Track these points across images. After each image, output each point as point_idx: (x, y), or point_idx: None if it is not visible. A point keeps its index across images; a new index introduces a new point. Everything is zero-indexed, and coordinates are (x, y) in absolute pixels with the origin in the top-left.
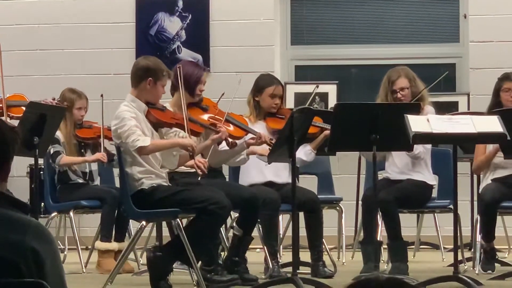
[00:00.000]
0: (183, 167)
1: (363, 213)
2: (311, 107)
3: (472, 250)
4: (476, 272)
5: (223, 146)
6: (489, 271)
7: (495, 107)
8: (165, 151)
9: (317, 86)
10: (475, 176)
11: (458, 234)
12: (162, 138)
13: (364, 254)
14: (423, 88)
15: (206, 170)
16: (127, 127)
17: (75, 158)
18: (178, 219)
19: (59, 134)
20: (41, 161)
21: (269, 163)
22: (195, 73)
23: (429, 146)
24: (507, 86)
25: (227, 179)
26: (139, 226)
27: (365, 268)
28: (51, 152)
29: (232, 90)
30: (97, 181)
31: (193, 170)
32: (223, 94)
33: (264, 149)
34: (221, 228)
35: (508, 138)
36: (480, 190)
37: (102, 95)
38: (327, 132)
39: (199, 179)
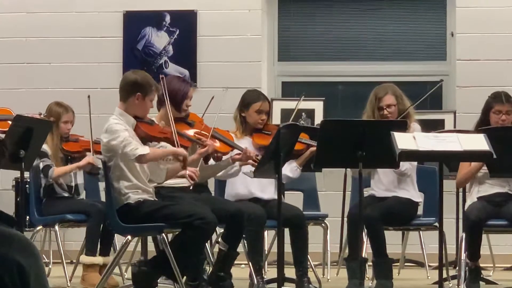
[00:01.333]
0: (169, 181)
1: (348, 229)
2: (298, 124)
3: (457, 268)
4: None
5: (210, 161)
6: None
7: (483, 125)
8: (153, 165)
9: (303, 95)
10: (460, 194)
11: (443, 252)
12: None
13: (349, 270)
14: (409, 105)
15: (198, 178)
16: (122, 137)
17: (66, 167)
18: (163, 234)
19: (46, 147)
20: (27, 174)
21: (255, 177)
22: (181, 88)
23: (415, 163)
24: (498, 108)
25: (213, 194)
26: (124, 241)
27: (350, 285)
28: (41, 167)
29: (219, 105)
30: (83, 195)
31: (179, 185)
32: (212, 97)
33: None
34: (206, 243)
35: (494, 156)
36: (465, 207)
37: (89, 96)
38: (313, 149)
39: (190, 188)
